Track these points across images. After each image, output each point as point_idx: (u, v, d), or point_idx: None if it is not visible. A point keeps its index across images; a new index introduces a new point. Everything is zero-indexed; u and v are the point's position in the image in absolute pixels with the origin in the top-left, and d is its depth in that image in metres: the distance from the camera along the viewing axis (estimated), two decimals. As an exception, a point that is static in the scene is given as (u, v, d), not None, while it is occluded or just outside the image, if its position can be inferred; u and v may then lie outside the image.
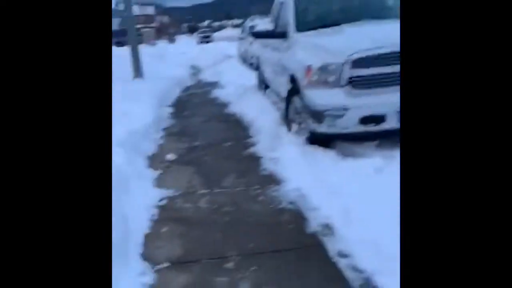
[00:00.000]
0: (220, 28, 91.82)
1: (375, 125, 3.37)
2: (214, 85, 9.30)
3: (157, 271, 2.28)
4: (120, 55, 8.75)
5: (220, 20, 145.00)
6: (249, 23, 13.87)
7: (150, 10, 52.49)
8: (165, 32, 47.24)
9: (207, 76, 11.52)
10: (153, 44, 17.53)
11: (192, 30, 70.62)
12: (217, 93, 8.22)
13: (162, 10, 67.33)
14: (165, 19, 64.23)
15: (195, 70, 13.62)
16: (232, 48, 16.65)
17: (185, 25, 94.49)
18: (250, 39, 9.67)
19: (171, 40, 39.39)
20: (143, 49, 11.10)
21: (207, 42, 34.76)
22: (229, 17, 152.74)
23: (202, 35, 39.46)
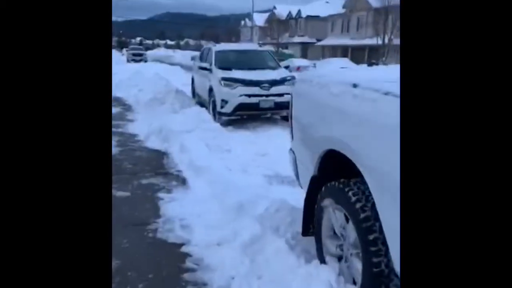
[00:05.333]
0: (153, 46, 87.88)
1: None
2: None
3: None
4: None
5: (153, 39, 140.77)
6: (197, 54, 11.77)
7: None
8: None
9: (148, 135, 6.65)
10: None
11: (121, 46, 66.18)
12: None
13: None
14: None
15: (121, 111, 9.20)
16: (175, 75, 13.67)
17: (114, 39, 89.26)
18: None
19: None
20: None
21: (139, 61, 31.35)
22: (163, 37, 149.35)
23: (133, 51, 35.67)
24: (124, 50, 46.85)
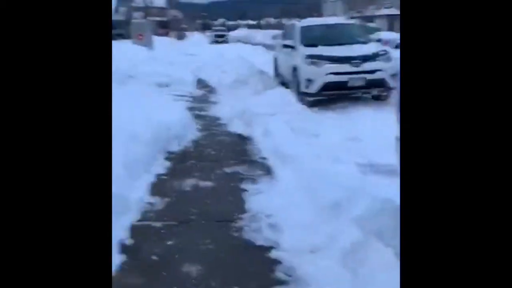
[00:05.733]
0: (235, 27, 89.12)
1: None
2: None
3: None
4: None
5: (235, 19, 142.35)
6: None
7: (162, 2, 49.77)
8: (176, 28, 44.33)
9: (231, 118, 6.36)
10: (142, 41, 13.53)
11: (205, 28, 67.69)
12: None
13: (176, 4, 64.47)
14: (178, 13, 61.52)
15: (204, 93, 9.22)
16: (257, 55, 13.29)
17: (198, 21, 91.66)
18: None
19: (180, 36, 36.15)
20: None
21: (222, 42, 31.62)
22: (244, 17, 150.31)
23: (215, 33, 36.09)
24: (207, 32, 47.86)
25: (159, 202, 3.42)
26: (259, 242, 2.80)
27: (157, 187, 3.74)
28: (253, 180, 3.94)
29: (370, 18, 44.91)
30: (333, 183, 3.43)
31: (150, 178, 3.90)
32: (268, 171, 4.23)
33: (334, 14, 52.06)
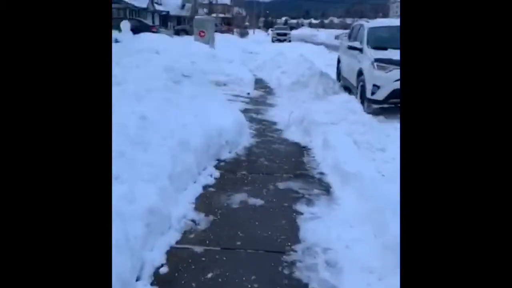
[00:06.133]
0: (298, 26, 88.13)
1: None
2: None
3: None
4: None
5: (298, 18, 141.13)
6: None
7: (227, 0, 50.32)
8: (240, 25, 44.52)
9: (288, 124, 5.91)
10: (203, 37, 13.36)
11: (268, 26, 67.55)
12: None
13: (240, 2, 64.92)
14: (242, 11, 61.96)
15: (262, 94, 8.80)
16: (319, 56, 12.67)
17: (262, 19, 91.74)
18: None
19: (243, 34, 36.14)
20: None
21: (284, 40, 31.16)
22: (307, 16, 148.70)
23: (277, 31, 35.63)
24: (270, 30, 47.67)
25: (203, 221, 3.07)
26: (313, 284, 2.36)
27: (203, 202, 3.41)
28: (309, 201, 3.49)
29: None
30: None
31: (197, 190, 3.58)
32: (326, 190, 3.77)
33: (399, 16, 49.60)
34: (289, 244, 2.79)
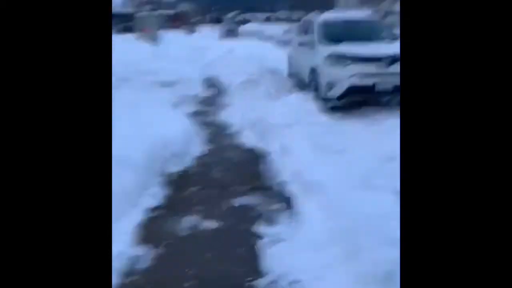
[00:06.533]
0: (245, 21, 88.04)
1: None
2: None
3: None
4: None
5: (245, 13, 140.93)
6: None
7: (172, -4, 48.97)
8: (186, 21, 43.43)
9: (241, 128, 5.55)
10: (146, 36, 12.55)
11: (216, 21, 66.69)
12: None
13: (185, -3, 63.43)
14: (189, 6, 60.65)
15: (212, 94, 8.13)
16: (268, 52, 12.26)
17: (209, 15, 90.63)
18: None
19: (190, 30, 35.21)
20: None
21: (232, 36, 30.57)
22: (254, 10, 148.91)
23: (224, 28, 35.01)
24: (218, 26, 46.98)
25: (145, 257, 2.58)
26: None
27: (146, 230, 2.90)
28: (270, 220, 3.08)
29: (384, 14, 43.62)
30: (373, 229, 2.58)
31: (138, 216, 3.07)
32: (288, 203, 3.37)
33: (346, 9, 50.74)
34: (250, 279, 2.35)
